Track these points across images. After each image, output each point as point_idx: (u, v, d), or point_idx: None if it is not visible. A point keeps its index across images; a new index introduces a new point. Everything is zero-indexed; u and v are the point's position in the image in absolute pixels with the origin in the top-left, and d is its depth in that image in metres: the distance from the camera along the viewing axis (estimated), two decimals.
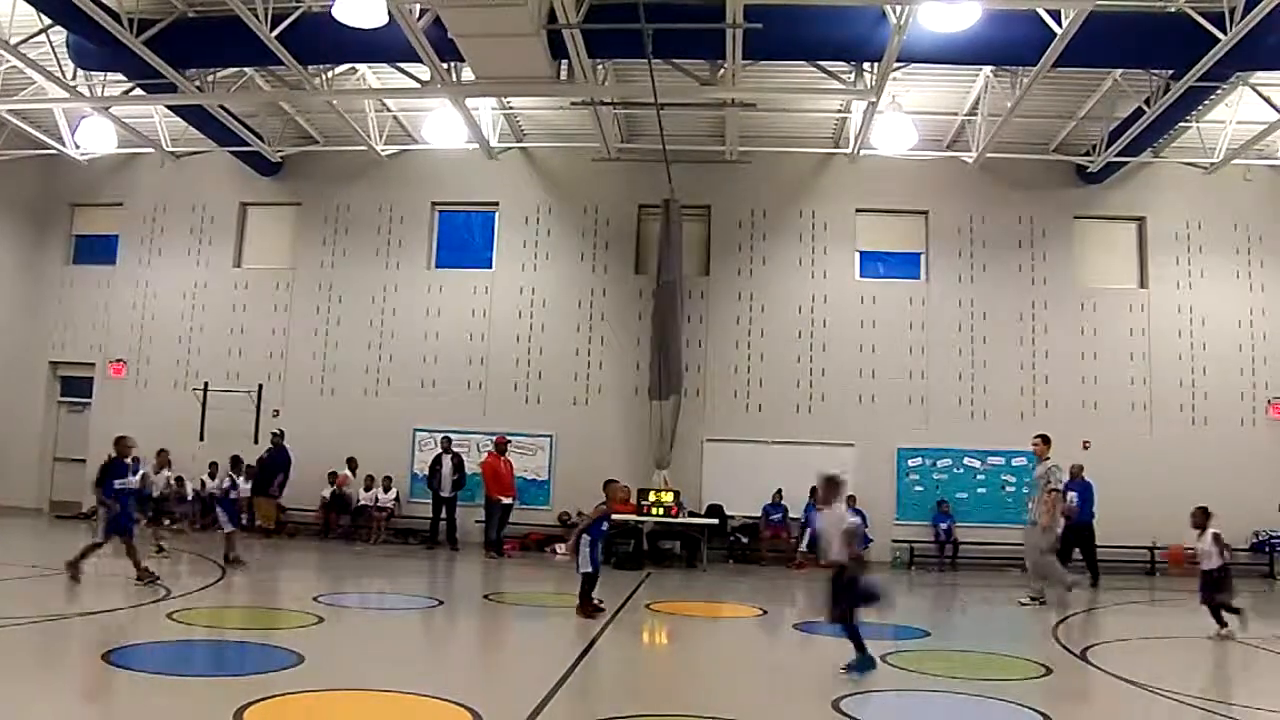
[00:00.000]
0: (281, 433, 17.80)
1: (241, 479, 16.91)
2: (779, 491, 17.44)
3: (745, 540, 17.34)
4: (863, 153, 17.78)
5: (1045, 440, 12.93)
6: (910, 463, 17.93)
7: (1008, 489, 17.54)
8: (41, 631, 8.23)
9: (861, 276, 18.68)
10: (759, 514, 17.49)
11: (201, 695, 6.30)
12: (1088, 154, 17.52)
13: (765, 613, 11.83)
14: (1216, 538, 9.93)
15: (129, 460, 11.30)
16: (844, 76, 15.07)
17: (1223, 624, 9.78)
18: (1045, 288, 18.21)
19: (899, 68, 14.10)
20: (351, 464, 18.15)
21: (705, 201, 18.74)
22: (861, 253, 18.72)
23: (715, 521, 16.91)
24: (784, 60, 14.63)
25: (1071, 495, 15.24)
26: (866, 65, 14.40)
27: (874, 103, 15.09)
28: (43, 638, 8.06)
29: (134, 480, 11.24)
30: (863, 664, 7.39)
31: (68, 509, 18.79)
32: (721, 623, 11.56)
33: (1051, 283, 18.21)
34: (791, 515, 17.44)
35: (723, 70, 14.25)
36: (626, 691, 7.30)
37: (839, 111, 17.45)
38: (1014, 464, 17.19)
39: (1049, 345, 18.03)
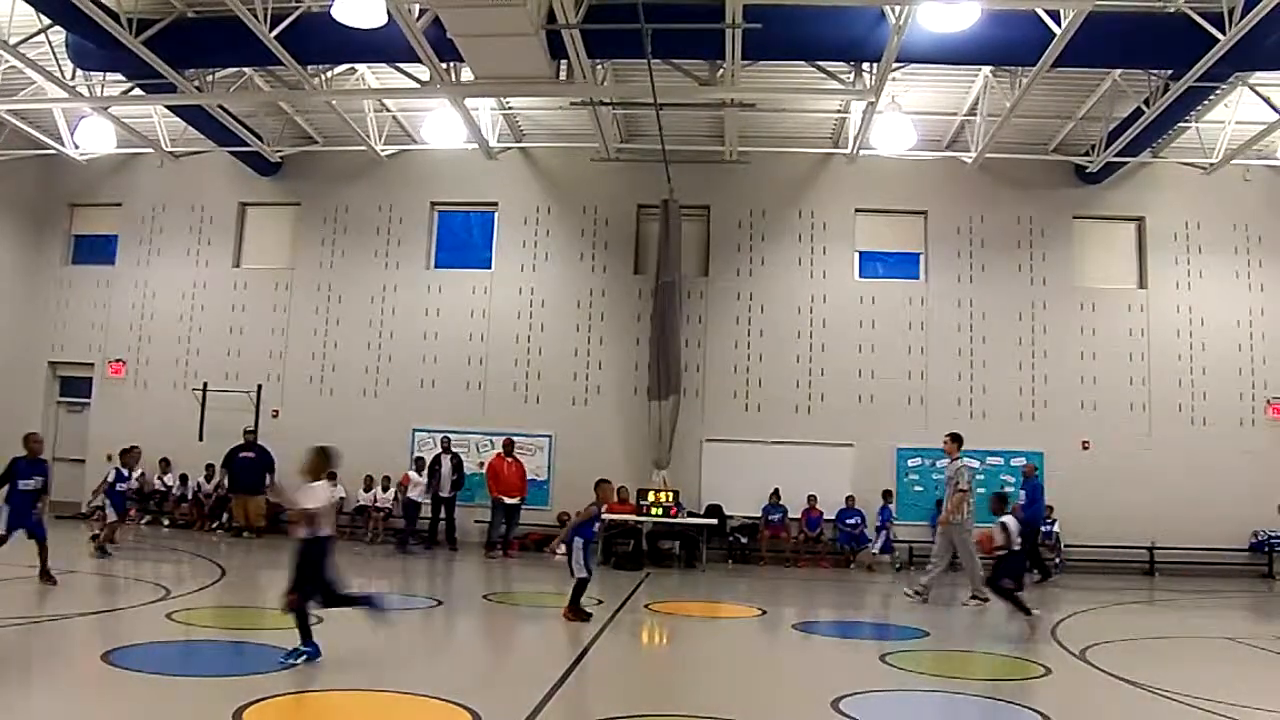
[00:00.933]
0: (254, 430, 17.90)
1: (136, 471, 16.75)
2: (777, 491, 17.46)
3: (744, 540, 17.36)
4: (862, 153, 17.77)
5: (955, 439, 13.11)
6: (910, 463, 17.93)
7: (1007, 489, 17.49)
8: (41, 632, 8.24)
9: (861, 276, 18.68)
10: (758, 514, 17.51)
11: (201, 695, 6.30)
12: (1087, 154, 17.52)
13: (764, 613, 11.83)
14: (1004, 525, 10.42)
15: (42, 459, 10.79)
16: (843, 76, 15.07)
17: (1026, 611, 10.07)
18: (1044, 288, 18.21)
19: (898, 68, 14.10)
20: (419, 464, 17.36)
21: (704, 202, 18.73)
22: (860, 253, 18.72)
23: (714, 522, 16.92)
24: (783, 60, 14.65)
25: (1020, 494, 15.40)
26: (865, 65, 14.39)
27: (873, 103, 15.09)
28: (42, 638, 8.06)
29: (32, 483, 10.80)
30: (308, 653, 7.13)
31: (67, 509, 18.73)
32: (721, 623, 11.56)
33: (1051, 283, 18.21)
34: (791, 515, 17.48)
35: (722, 70, 14.25)
36: (626, 692, 7.29)
37: (838, 112, 17.45)
38: (1013, 464, 17.19)
39: (1048, 345, 18.03)
